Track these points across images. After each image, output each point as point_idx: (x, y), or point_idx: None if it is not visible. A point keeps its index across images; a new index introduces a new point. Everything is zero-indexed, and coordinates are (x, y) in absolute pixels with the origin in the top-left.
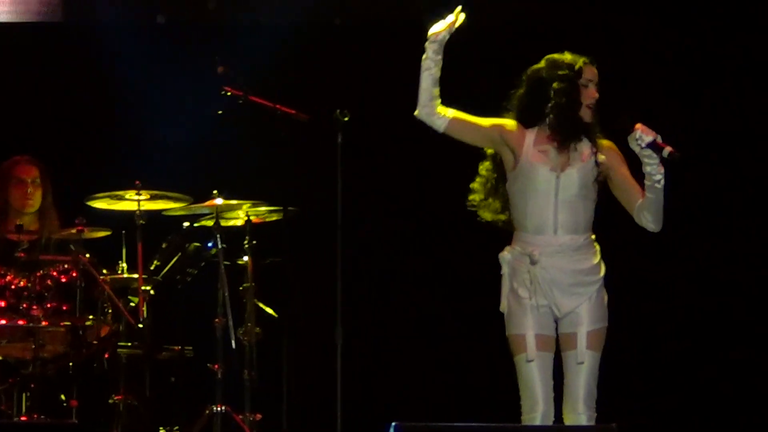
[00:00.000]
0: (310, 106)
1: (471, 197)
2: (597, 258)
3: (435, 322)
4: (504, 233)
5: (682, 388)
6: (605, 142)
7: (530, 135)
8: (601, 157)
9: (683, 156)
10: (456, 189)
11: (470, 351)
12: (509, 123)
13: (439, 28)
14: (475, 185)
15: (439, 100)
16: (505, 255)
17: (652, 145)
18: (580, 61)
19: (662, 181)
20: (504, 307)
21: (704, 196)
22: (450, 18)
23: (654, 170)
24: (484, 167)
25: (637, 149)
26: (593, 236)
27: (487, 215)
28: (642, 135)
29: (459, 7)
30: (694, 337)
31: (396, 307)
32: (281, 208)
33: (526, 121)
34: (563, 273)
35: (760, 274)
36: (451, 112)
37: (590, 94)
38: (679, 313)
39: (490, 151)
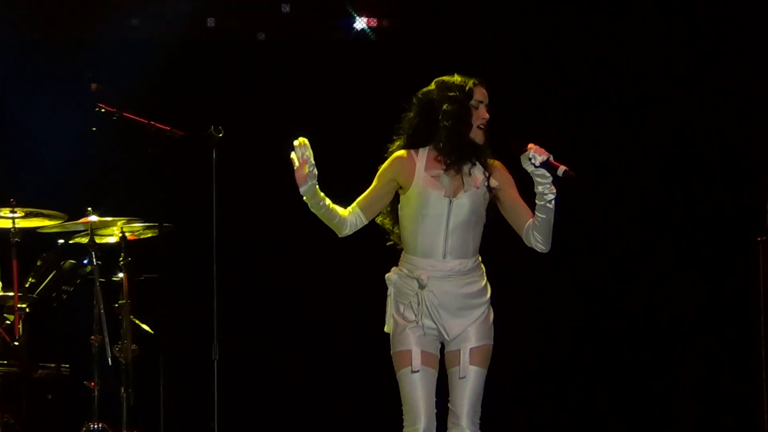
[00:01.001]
0: (184, 122)
1: (380, 221)
2: (484, 280)
3: (312, 338)
4: (388, 253)
5: (566, 405)
6: (495, 163)
7: (420, 159)
8: (494, 182)
9: (578, 175)
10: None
11: (349, 367)
12: (395, 160)
13: (300, 179)
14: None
15: (344, 212)
16: (392, 276)
17: (546, 165)
18: (470, 83)
19: (553, 201)
20: (389, 327)
21: (582, 212)
22: (302, 160)
23: (546, 190)
24: None
25: (530, 169)
26: (480, 258)
27: (396, 238)
28: (535, 155)
29: (303, 140)
30: (577, 355)
31: (273, 322)
32: (156, 224)
33: (415, 144)
34: (451, 297)
35: (637, 288)
36: (357, 206)
37: (480, 115)
38: (564, 332)
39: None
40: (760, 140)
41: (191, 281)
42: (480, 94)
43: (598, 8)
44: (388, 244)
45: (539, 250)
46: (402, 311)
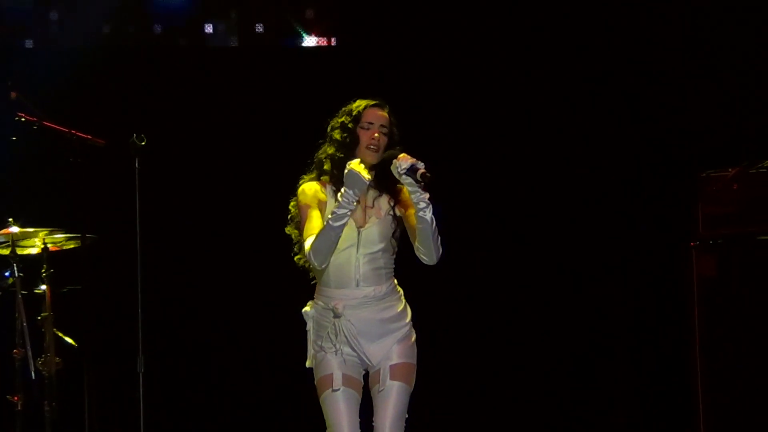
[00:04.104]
0: (106, 131)
1: (297, 258)
2: (402, 303)
3: (241, 350)
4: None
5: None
6: (403, 189)
7: (329, 189)
8: (399, 211)
9: (434, 177)
10: (257, 211)
11: (275, 378)
12: (313, 190)
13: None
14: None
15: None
16: (309, 311)
17: (410, 171)
18: (363, 105)
19: (427, 211)
20: (310, 362)
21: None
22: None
23: (417, 198)
24: (290, 229)
25: (399, 177)
26: (395, 281)
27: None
28: (401, 162)
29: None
30: (509, 364)
31: (199, 334)
32: (79, 235)
33: (322, 175)
34: (369, 324)
35: (569, 296)
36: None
37: (369, 135)
38: (496, 341)
39: (292, 209)
40: (693, 143)
41: (115, 293)
42: (372, 115)
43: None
44: (312, 283)
45: (424, 262)
46: (321, 343)
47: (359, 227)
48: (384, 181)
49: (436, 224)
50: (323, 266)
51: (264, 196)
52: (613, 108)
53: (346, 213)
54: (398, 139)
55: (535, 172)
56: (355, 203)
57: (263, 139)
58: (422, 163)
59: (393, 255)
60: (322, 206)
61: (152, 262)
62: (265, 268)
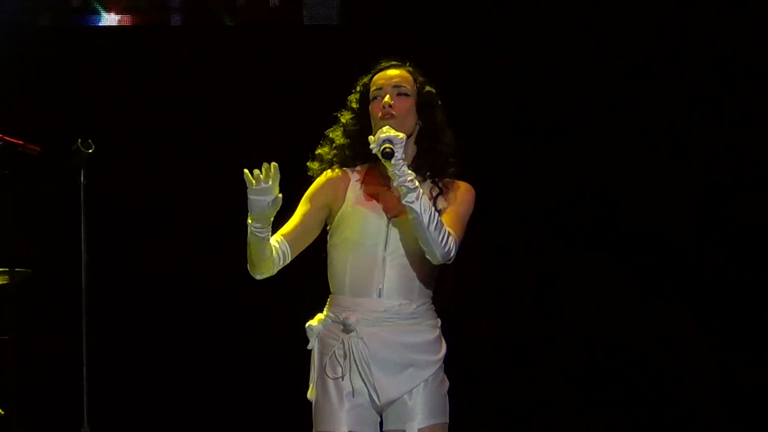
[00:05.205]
0: (42, 135)
1: None
2: (436, 332)
3: (211, 419)
4: (310, 298)
5: None
6: (457, 184)
7: (356, 176)
8: (442, 204)
9: (393, 152)
10: (230, 240)
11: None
12: (327, 179)
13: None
14: None
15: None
16: (314, 325)
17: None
18: (370, 75)
19: (412, 196)
20: (311, 394)
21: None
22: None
23: (397, 182)
24: None
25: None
26: (434, 306)
27: None
28: (376, 140)
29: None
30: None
31: (160, 398)
32: (6, 269)
33: (347, 162)
34: (387, 347)
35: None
36: (282, 238)
37: (377, 106)
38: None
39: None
40: None
41: (53, 343)
42: (380, 79)
43: None
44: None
45: (432, 262)
46: (324, 365)
47: (389, 216)
48: (425, 159)
49: (435, 213)
50: (260, 278)
51: (240, 219)
52: (709, 91)
53: (263, 238)
54: (435, 102)
55: (624, 173)
56: (266, 231)
57: (240, 143)
58: (401, 137)
59: (437, 267)
60: (337, 197)
61: (100, 303)
62: (244, 312)
